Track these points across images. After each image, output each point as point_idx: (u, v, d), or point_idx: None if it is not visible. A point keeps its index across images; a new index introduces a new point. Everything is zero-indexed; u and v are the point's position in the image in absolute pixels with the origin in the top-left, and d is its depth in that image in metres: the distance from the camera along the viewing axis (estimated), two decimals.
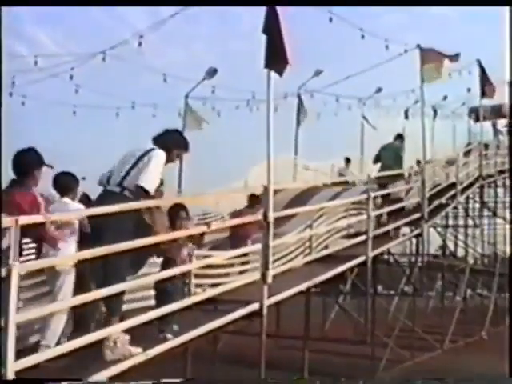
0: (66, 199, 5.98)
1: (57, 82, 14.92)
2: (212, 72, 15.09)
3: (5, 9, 5.21)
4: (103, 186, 5.76)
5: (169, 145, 5.86)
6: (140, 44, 12.26)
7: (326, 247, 10.52)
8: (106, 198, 5.61)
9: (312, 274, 8.38)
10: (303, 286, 7.79)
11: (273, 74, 6.70)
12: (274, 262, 8.65)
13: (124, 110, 17.95)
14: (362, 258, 9.44)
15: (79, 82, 15.39)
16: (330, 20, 12.13)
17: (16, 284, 4.10)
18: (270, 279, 6.46)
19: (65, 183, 6.06)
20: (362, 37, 13.59)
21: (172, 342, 5.60)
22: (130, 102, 17.84)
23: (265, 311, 6.47)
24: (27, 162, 5.31)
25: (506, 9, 6.88)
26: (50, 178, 5.99)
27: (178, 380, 6.23)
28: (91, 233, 5.57)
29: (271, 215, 6.48)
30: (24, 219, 4.39)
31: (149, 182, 5.50)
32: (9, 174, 5.28)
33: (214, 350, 11.80)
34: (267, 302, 6.52)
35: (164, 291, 6.01)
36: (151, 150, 5.71)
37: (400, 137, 13.95)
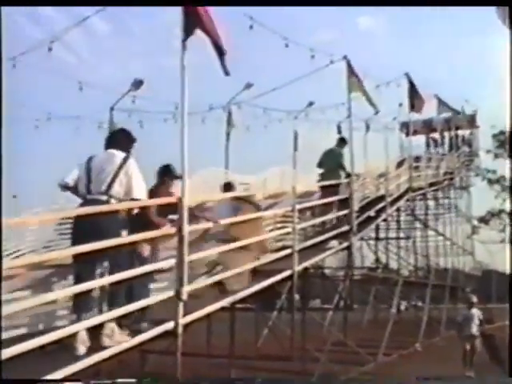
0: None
1: None
2: (138, 83, 14.78)
3: None
4: (82, 195, 5.96)
5: (129, 144, 6.28)
6: (50, 50, 11.88)
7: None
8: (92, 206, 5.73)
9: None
10: (224, 303, 7.46)
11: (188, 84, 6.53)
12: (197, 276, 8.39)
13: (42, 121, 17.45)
14: (287, 272, 9.18)
15: None
16: (251, 27, 12.10)
17: None
18: (185, 296, 6.12)
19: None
20: (286, 45, 13.68)
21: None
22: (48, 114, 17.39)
23: (180, 330, 6.12)
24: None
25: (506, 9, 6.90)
26: None
27: (132, 380, 6.07)
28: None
29: (186, 228, 6.16)
30: None
31: (143, 190, 6.11)
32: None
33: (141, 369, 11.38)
34: (183, 321, 6.17)
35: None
36: (126, 157, 5.98)
37: (342, 140, 13.98)
